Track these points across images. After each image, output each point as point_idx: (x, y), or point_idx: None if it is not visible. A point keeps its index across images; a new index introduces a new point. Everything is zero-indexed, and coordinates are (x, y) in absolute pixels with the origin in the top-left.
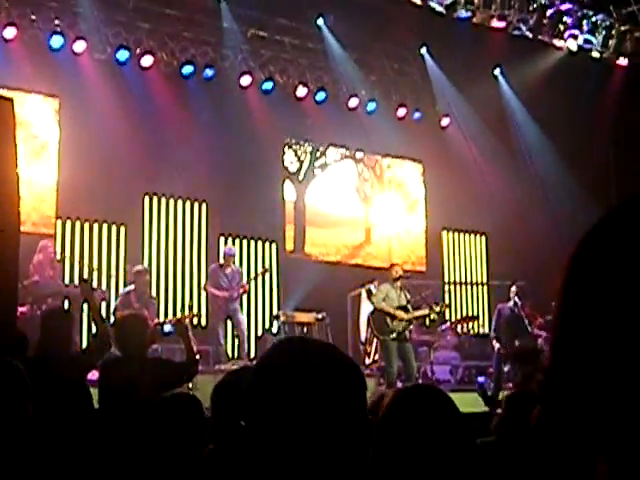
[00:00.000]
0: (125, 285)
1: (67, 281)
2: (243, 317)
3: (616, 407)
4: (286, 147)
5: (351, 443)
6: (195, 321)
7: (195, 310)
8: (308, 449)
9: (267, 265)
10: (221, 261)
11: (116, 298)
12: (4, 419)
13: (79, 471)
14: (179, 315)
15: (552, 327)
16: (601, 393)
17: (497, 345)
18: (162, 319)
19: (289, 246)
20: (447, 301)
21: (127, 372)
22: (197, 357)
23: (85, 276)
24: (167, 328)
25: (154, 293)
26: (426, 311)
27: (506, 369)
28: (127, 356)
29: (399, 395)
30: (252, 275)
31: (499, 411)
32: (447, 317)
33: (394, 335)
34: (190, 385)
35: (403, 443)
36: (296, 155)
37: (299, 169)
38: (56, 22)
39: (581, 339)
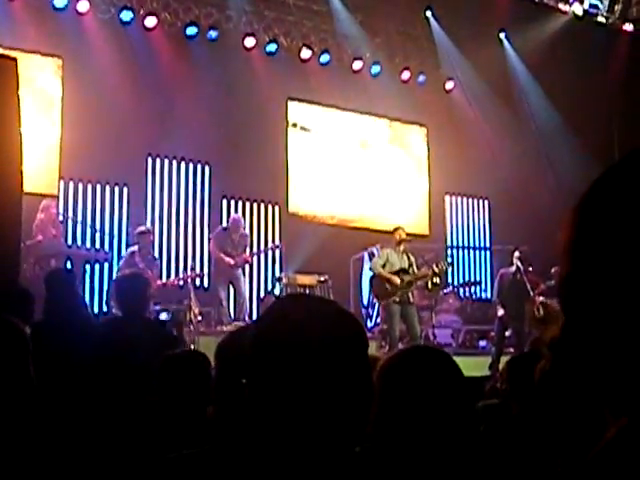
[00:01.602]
0: (128, 246)
1: (70, 242)
2: (245, 283)
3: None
4: (289, 109)
5: (354, 401)
6: (197, 281)
7: (198, 270)
8: (311, 405)
9: (270, 227)
10: (224, 224)
11: (119, 259)
12: (2, 380)
13: (83, 433)
14: (181, 275)
15: (560, 273)
16: (614, 338)
17: (501, 311)
18: (165, 280)
19: (291, 208)
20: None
21: (127, 332)
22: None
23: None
24: (163, 316)
25: (157, 254)
26: (428, 272)
27: (508, 334)
28: (127, 316)
29: (397, 356)
30: (261, 248)
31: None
32: (449, 281)
33: (396, 298)
34: (192, 346)
35: (401, 405)
36: (294, 113)
37: (295, 125)
38: None
39: (591, 292)
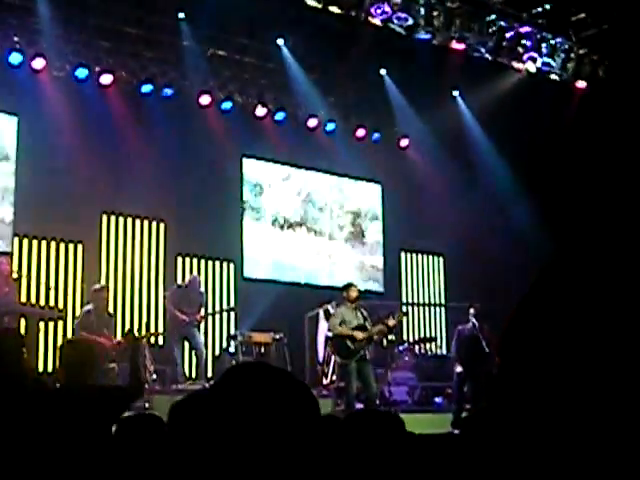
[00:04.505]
0: (82, 304)
1: (24, 299)
2: (201, 339)
3: None
4: (244, 166)
5: (305, 469)
6: (152, 340)
7: (152, 329)
8: (262, 475)
9: (225, 284)
10: (179, 282)
11: (73, 316)
12: None
13: None
14: (136, 334)
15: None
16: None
17: (459, 367)
18: (119, 338)
19: (246, 265)
20: (405, 321)
21: (70, 403)
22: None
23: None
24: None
25: (112, 311)
26: (383, 327)
27: (466, 390)
28: (68, 386)
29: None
30: (217, 309)
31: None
32: (404, 338)
33: (356, 357)
34: (147, 405)
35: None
36: (249, 170)
37: (254, 184)
38: (15, 39)
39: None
